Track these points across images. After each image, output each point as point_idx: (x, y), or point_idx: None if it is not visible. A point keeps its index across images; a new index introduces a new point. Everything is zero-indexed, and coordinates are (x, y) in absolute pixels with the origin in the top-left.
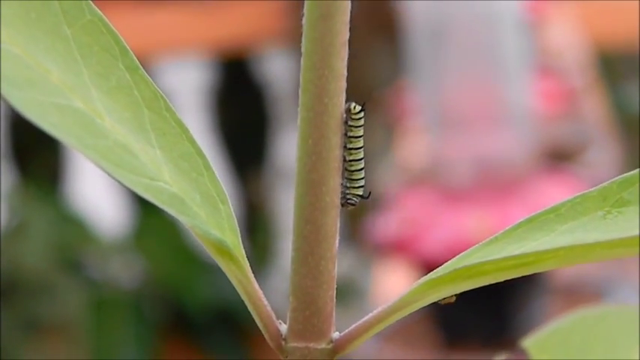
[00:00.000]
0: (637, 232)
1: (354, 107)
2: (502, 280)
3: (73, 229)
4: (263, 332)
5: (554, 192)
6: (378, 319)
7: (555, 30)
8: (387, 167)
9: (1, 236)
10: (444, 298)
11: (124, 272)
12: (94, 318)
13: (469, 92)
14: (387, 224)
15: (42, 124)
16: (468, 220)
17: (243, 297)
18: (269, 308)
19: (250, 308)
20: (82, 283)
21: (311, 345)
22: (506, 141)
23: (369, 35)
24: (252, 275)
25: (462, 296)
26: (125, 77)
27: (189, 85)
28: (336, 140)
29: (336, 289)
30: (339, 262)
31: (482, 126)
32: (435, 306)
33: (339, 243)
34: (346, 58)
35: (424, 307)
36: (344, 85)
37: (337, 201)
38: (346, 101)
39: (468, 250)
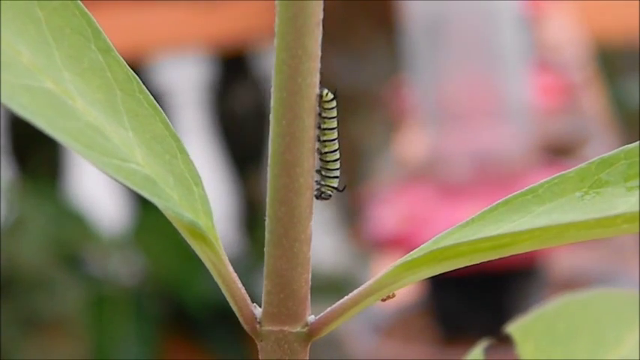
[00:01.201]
0: (613, 213)
1: (326, 94)
2: (479, 262)
3: (73, 225)
4: (237, 315)
5: None
6: (354, 302)
7: (554, 25)
8: (386, 162)
9: (0, 232)
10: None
11: (124, 269)
12: (94, 314)
13: (467, 87)
14: (385, 219)
15: (11, 105)
16: (466, 215)
17: (217, 280)
18: (243, 291)
19: (224, 291)
20: (81, 280)
21: (286, 328)
22: (504, 136)
23: (367, 31)
24: (227, 258)
25: (461, 290)
26: (98, 59)
27: (187, 82)
28: (309, 121)
29: (335, 284)
30: (338, 258)
31: (480, 121)
32: (434, 301)
33: (338, 238)
34: (320, 39)
35: (423, 302)
36: (318, 65)
37: (312, 182)
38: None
39: (444, 232)
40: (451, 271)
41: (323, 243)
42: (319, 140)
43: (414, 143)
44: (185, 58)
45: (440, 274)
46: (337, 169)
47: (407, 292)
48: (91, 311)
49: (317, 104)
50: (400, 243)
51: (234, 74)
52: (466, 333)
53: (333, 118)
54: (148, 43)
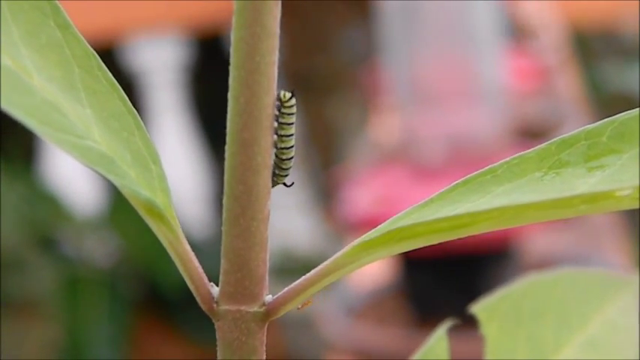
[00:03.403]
0: (572, 193)
1: (284, 95)
2: (437, 242)
3: (47, 206)
4: (194, 295)
5: None
6: (311, 282)
7: (531, 8)
8: (361, 144)
9: None
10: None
11: (98, 250)
12: (68, 296)
13: (442, 69)
14: (359, 201)
15: None
16: None
17: (175, 259)
18: (200, 270)
19: (181, 270)
20: (55, 261)
21: (243, 308)
22: (479, 118)
23: (343, 12)
24: (183, 236)
25: (435, 272)
26: (56, 35)
27: (164, 63)
28: (268, 99)
29: (308, 266)
30: (312, 240)
31: (455, 103)
32: (408, 283)
33: (312, 220)
34: (279, 17)
35: (397, 284)
36: (276, 43)
37: (269, 161)
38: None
39: (402, 212)
40: (425, 253)
41: (298, 225)
42: (277, 136)
43: (388, 125)
44: (161, 39)
45: (414, 256)
46: (290, 168)
47: (381, 274)
48: (64, 292)
49: (276, 107)
50: (375, 225)
51: (210, 55)
52: (440, 315)
53: (291, 114)
54: (124, 23)
